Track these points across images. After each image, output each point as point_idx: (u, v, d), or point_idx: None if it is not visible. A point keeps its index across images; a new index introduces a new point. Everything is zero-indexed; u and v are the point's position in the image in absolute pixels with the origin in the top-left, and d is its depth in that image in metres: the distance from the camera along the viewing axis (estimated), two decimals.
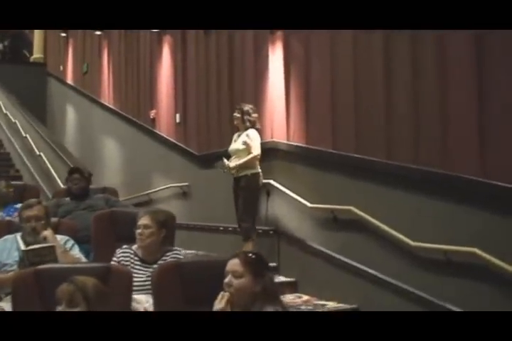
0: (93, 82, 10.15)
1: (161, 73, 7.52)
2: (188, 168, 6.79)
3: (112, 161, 9.36)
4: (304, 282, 4.85)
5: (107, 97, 9.50)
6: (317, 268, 4.72)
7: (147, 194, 7.75)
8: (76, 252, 3.32)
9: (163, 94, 7.47)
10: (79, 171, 4.72)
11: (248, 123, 5.17)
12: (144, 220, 3.22)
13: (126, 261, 3.15)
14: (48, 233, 3.26)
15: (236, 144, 5.26)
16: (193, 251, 6.49)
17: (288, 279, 4.97)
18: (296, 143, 5.03)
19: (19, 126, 9.53)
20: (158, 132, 7.57)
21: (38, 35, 13.50)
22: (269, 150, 5.27)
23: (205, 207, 6.41)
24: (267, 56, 5.41)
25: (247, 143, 5.11)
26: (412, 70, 3.93)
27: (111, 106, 9.28)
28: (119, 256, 3.18)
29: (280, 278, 5.00)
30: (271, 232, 5.26)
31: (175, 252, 3.24)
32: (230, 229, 5.70)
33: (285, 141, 5.17)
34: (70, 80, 11.55)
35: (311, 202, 4.75)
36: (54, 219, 3.63)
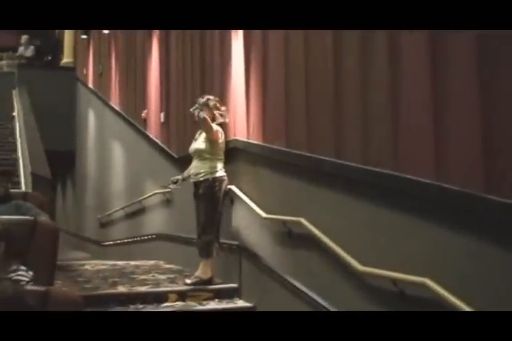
0: (105, 83, 9.71)
1: (151, 72, 6.93)
2: (171, 172, 6.09)
3: (117, 166, 8.85)
4: (263, 308, 4.02)
5: (114, 99, 9.02)
6: (273, 293, 3.89)
7: (139, 201, 7.14)
8: None
9: (152, 92, 6.85)
10: (8, 174, 4.13)
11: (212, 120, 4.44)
12: None
13: None
14: None
15: (197, 143, 4.53)
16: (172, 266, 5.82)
17: (246, 304, 4.16)
18: (255, 142, 4.23)
19: (17, 132, 9.26)
20: (148, 133, 6.95)
21: (67, 38, 13.28)
22: (232, 150, 4.50)
23: (185, 217, 5.69)
24: (230, 46, 4.67)
25: (208, 139, 4.39)
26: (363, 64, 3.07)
27: (116, 107, 8.78)
28: None
29: (238, 303, 4.20)
30: (234, 247, 4.47)
31: (19, 273, 2.52)
32: None
33: (246, 139, 4.38)
34: (90, 83, 11.19)
35: (266, 212, 3.94)
36: None
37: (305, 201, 3.57)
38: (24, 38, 13.18)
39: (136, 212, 7.42)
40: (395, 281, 2.68)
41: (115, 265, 6.07)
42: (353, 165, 3.07)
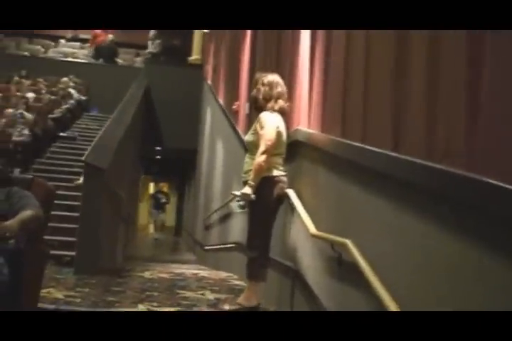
0: (216, 79, 9.15)
1: (243, 64, 6.19)
2: None
3: (218, 165, 8.20)
4: None
5: (220, 94, 8.38)
6: None
7: (226, 205, 6.37)
8: None
9: (243, 84, 6.07)
10: (6, 154, 3.51)
11: (260, 103, 3.50)
12: None
13: None
14: None
15: (248, 134, 3.61)
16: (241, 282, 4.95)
17: None
18: (313, 131, 3.21)
19: None
20: (237, 127, 6.17)
21: (197, 34, 12.96)
22: (294, 144, 3.51)
23: None
24: (298, 44, 3.73)
25: (257, 131, 3.43)
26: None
27: (221, 102, 8.13)
28: None
29: None
30: (287, 269, 3.48)
31: None
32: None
33: (307, 129, 3.37)
34: (209, 80, 10.71)
35: (318, 227, 2.90)
36: None
37: (358, 214, 2.49)
38: (152, 33, 13.07)
39: (225, 217, 6.67)
40: None
41: (180, 274, 5.33)
42: (414, 160, 1.96)
